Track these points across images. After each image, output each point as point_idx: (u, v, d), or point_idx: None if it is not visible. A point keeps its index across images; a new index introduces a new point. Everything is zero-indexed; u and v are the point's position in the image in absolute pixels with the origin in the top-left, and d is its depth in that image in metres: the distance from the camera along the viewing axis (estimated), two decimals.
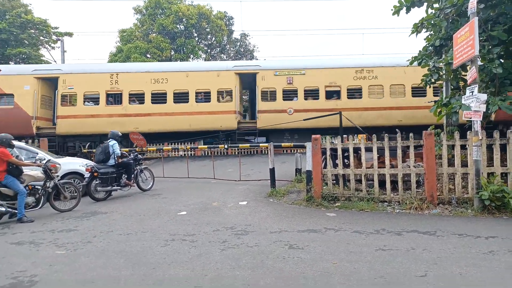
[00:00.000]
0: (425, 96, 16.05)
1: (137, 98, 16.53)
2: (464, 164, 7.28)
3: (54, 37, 29.68)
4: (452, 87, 9.60)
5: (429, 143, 7.17)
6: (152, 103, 16.35)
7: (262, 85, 16.61)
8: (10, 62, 27.48)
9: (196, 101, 16.52)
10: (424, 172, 7.23)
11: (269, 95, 16.62)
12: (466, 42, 6.83)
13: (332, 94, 16.81)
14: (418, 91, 16.24)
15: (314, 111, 15.94)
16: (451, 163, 7.51)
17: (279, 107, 16.45)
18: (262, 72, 16.65)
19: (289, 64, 17.74)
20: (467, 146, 7.30)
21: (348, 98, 16.46)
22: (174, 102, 16.42)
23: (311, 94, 16.68)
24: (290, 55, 67.90)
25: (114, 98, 16.92)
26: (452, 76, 8.97)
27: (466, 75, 7.54)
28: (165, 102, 16.36)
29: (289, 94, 16.63)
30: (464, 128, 8.66)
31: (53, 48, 30.46)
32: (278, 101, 16.51)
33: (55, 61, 29.41)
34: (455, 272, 3.91)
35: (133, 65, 19.42)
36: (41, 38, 29.44)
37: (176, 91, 16.42)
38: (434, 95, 16.01)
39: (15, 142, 8.12)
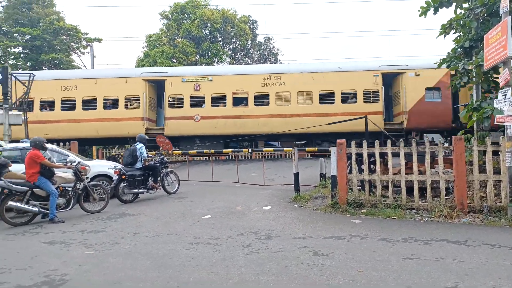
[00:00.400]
0: (333, 103, 16.01)
1: (48, 105, 16.76)
2: (497, 171, 7.01)
3: (84, 43, 30.68)
4: (483, 90, 9.29)
5: (459, 148, 6.96)
6: (62, 110, 16.55)
7: (170, 92, 16.67)
8: (43, 68, 28.60)
9: (104, 108, 16.66)
10: (454, 179, 7.01)
11: (177, 102, 16.65)
12: (498, 43, 6.63)
13: (241, 101, 16.71)
14: (326, 98, 16.11)
15: (222, 117, 16.19)
16: (482, 170, 7.26)
17: (187, 114, 16.45)
18: (170, 79, 16.70)
19: (197, 70, 18.02)
20: (499, 152, 7.03)
21: (255, 105, 16.33)
22: (83, 109, 16.58)
23: (219, 100, 16.61)
24: (314, 58, 67.53)
25: (27, 105, 16.65)
26: (483, 78, 8.69)
27: (498, 78, 7.29)
28: (74, 109, 16.55)
29: (197, 101, 16.62)
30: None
31: (83, 53, 31.51)
32: (186, 107, 16.51)
33: (85, 66, 30.41)
34: (488, 285, 3.76)
35: (44, 73, 19.48)
36: (72, 44, 30.50)
37: (84, 98, 16.58)
38: (342, 102, 16.12)
39: (48, 145, 8.42)
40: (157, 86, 17.67)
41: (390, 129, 15.43)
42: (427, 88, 15.67)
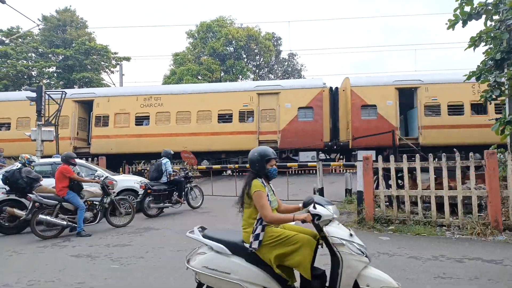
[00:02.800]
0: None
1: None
2: None
3: (113, 62, 31.81)
4: None
5: (492, 163, 6.69)
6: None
7: None
8: (74, 86, 29.78)
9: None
10: (487, 195, 6.71)
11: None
12: None
13: None
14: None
15: None
16: None
17: None
18: None
19: None
20: None
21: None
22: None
23: None
24: (339, 73, 67.37)
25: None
26: None
27: None
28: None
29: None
30: None
31: (112, 72, 32.64)
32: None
33: (114, 84, 31.44)
34: None
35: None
36: (102, 63, 31.67)
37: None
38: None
39: (77, 160, 8.66)
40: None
41: None
42: None
